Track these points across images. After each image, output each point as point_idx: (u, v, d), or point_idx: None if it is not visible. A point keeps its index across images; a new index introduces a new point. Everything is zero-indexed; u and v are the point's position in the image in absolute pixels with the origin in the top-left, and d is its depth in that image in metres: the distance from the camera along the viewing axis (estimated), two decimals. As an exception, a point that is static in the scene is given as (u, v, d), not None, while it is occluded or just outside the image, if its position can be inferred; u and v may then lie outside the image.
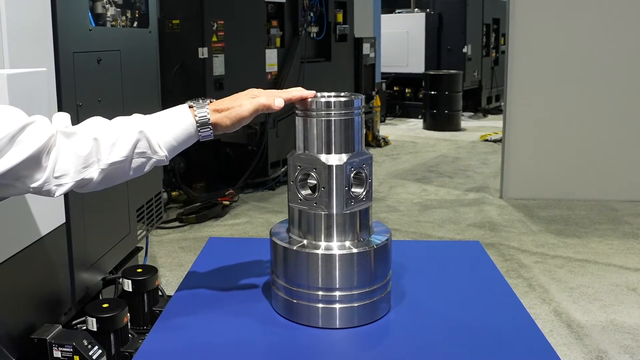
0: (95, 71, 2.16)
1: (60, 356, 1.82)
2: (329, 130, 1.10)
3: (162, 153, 1.06)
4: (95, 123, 1.05)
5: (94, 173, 1.02)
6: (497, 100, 10.47)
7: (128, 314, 2.08)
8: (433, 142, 8.14)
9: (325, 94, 1.16)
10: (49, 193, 1.01)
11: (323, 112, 1.10)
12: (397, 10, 10.28)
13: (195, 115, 1.07)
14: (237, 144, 5.17)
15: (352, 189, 1.14)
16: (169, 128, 1.06)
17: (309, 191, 1.14)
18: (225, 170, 5.26)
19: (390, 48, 9.33)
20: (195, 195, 4.70)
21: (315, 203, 1.12)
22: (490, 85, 10.34)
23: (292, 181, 1.14)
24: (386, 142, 7.72)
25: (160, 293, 2.34)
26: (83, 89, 2.06)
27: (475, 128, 9.16)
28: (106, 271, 2.36)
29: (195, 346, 1.07)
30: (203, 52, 4.31)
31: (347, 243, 1.13)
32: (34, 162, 0.96)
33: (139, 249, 2.88)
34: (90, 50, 2.11)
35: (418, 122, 9.53)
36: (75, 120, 2.07)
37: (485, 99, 10.27)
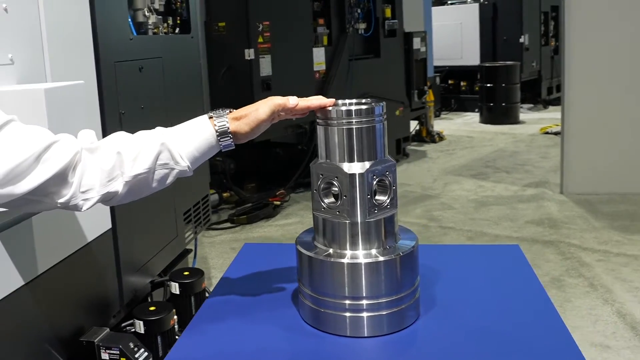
0: (137, 79, 2.21)
1: (107, 358, 1.88)
2: (349, 138, 1.08)
3: (184, 164, 1.07)
4: (118, 137, 1.07)
5: (118, 186, 1.04)
6: (558, 90, 10.06)
7: (175, 317, 2.13)
8: (490, 136, 7.94)
9: (347, 101, 1.14)
10: (76, 207, 1.04)
11: (343, 121, 1.08)
12: (449, 2, 10.07)
13: (215, 125, 1.08)
14: (287, 144, 5.19)
15: (376, 197, 1.12)
16: (190, 139, 1.07)
17: (332, 199, 1.12)
18: (276, 170, 5.30)
19: (444, 41, 9.15)
20: (246, 195, 4.76)
21: (338, 212, 1.10)
22: (551, 75, 9.99)
23: (315, 190, 1.13)
24: (441, 138, 7.58)
25: (207, 295, 2.37)
26: (125, 98, 2.11)
27: (535, 120, 8.87)
28: (154, 274, 2.41)
29: (222, 354, 1.08)
30: (249, 54, 4.35)
31: (373, 251, 1.11)
32: (61, 178, 0.99)
33: (188, 251, 2.94)
34: (131, 59, 2.16)
35: (474, 116, 9.31)
36: (119, 128, 2.13)
37: (545, 90, 9.93)
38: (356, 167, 1.08)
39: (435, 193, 5.29)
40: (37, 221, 1.67)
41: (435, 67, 8.62)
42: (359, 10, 5.52)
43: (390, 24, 5.84)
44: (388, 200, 1.12)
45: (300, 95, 4.33)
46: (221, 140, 1.08)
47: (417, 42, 6.35)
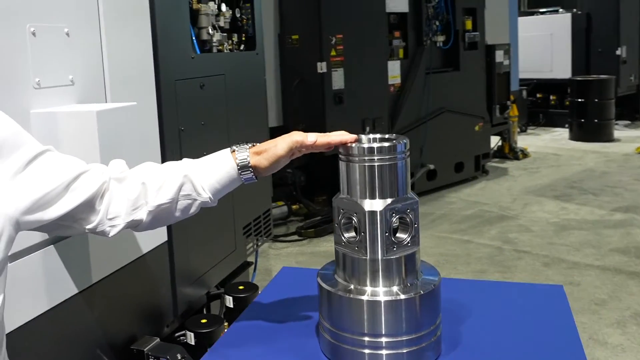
0: (198, 96, 2.28)
1: (155, 367, 1.94)
2: (369, 175, 1.07)
3: (205, 195, 1.10)
4: (145, 168, 1.11)
5: (142, 214, 1.09)
6: (660, 106, 9.46)
7: (226, 330, 2.17)
8: (579, 154, 7.53)
9: (371, 136, 1.13)
10: (103, 233, 1.09)
11: (364, 157, 1.07)
12: (538, 12, 9.68)
13: (237, 159, 1.10)
14: (360, 157, 5.18)
15: (398, 234, 1.09)
16: (212, 172, 1.10)
17: (352, 234, 1.11)
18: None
19: (532, 53, 8.81)
20: (315, 208, 4.79)
21: (357, 247, 1.09)
22: (652, 90, 9.36)
23: (337, 224, 1.12)
24: (525, 154, 7.28)
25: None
26: (185, 114, 2.18)
27: (631, 139, 8.33)
28: (210, 286, 2.47)
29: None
30: (322, 67, 4.38)
31: (394, 288, 1.09)
32: (88, 206, 1.05)
33: (249, 264, 3.00)
34: (192, 76, 2.23)
35: (564, 132, 8.87)
36: (177, 144, 2.19)
37: (644, 105, 9.33)
38: (375, 205, 1.07)
39: (513, 214, 5.09)
40: (92, 234, 1.76)
41: (522, 79, 8.31)
42: (437, 23, 5.43)
43: (470, 37, 5.69)
44: (409, 239, 1.09)
45: (374, 109, 4.37)
46: (242, 173, 1.10)
47: (499, 55, 6.15)
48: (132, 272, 1.96)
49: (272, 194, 3.10)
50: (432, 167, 5.49)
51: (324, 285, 1.13)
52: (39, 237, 1.56)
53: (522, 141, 7.81)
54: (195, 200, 1.10)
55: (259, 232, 2.88)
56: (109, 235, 1.09)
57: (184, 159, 1.14)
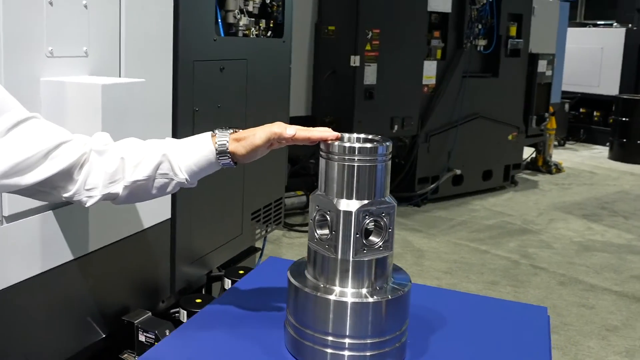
0: (217, 79, 2.29)
1: (144, 340, 1.98)
2: (346, 175, 1.06)
3: (182, 176, 1.11)
4: (127, 143, 1.13)
5: (119, 189, 1.10)
6: None
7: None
8: (616, 174, 7.32)
9: (355, 136, 1.12)
10: (80, 203, 1.11)
11: (342, 157, 1.06)
12: (590, 24, 9.39)
13: (216, 143, 1.10)
14: (385, 155, 5.14)
15: (371, 237, 1.09)
16: (190, 153, 1.11)
17: (326, 231, 1.10)
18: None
19: (580, 65, 8.57)
20: (335, 200, 4.77)
21: (327, 246, 1.08)
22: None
23: (312, 219, 1.12)
24: (558, 169, 7.11)
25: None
26: (201, 96, 2.20)
27: (675, 164, 8.06)
28: (212, 267, 2.50)
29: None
30: (355, 60, 4.35)
31: (362, 291, 1.08)
32: (66, 175, 1.07)
33: (257, 250, 3.01)
34: (212, 59, 2.24)
35: (603, 150, 8.62)
36: (191, 124, 2.21)
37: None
38: (350, 205, 1.06)
39: (536, 228, 4.99)
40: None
41: (566, 92, 8.10)
42: (479, 26, 5.33)
43: (514, 43, 5.57)
44: (381, 243, 1.08)
45: (405, 108, 4.32)
46: (220, 158, 1.10)
47: (542, 65, 6.01)
48: (131, 245, 1.99)
49: (286, 182, 3.10)
50: (458, 172, 5.41)
51: (292, 280, 1.12)
52: (38, 201, 1.60)
53: (558, 155, 7.63)
54: (172, 179, 1.11)
55: (268, 220, 2.90)
56: (86, 205, 1.11)
57: (167, 138, 1.15)
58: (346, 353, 1.08)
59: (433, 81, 5.06)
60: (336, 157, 1.07)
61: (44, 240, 1.64)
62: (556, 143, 8.20)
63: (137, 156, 1.10)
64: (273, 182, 2.91)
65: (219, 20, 2.35)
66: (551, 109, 6.59)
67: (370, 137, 1.12)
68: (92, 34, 1.70)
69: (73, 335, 1.80)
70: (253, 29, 2.56)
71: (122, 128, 1.57)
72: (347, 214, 1.05)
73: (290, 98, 3.04)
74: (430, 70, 4.98)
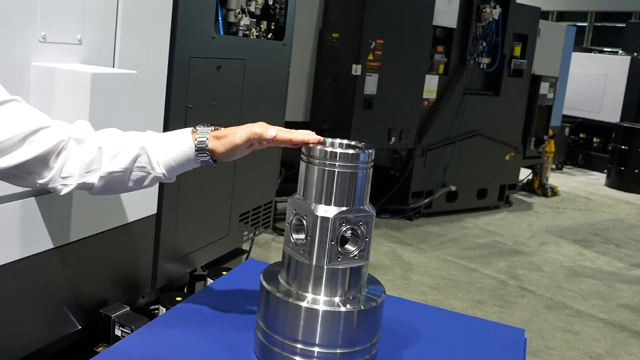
0: (213, 77, 2.28)
1: (120, 335, 1.95)
2: (325, 180, 1.05)
3: (159, 170, 1.09)
4: (106, 134, 1.11)
5: (94, 179, 1.09)
6: None
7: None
8: (612, 202, 7.31)
9: (337, 141, 1.10)
10: (55, 190, 1.09)
11: (322, 162, 1.04)
12: (595, 50, 9.41)
13: (195, 139, 1.08)
14: (380, 167, 5.13)
15: (347, 245, 1.07)
16: (169, 148, 1.09)
17: (302, 236, 1.08)
18: (365, 189, 5.25)
19: (582, 90, 8.58)
20: (328, 208, 4.76)
21: (302, 251, 1.07)
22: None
23: (288, 223, 1.10)
24: (554, 193, 7.10)
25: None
26: (195, 92, 2.18)
27: (670, 196, 8.05)
28: (196, 266, 2.48)
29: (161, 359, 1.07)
30: (356, 69, 4.35)
31: (335, 299, 1.07)
32: (42, 161, 1.06)
33: (243, 251, 2.99)
34: (209, 56, 2.23)
35: (601, 177, 8.60)
36: (183, 120, 2.20)
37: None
38: (327, 211, 1.04)
39: (527, 250, 4.97)
40: (77, 192, 1.77)
41: (567, 116, 8.10)
42: (484, 44, 5.33)
43: (517, 63, 5.58)
44: (357, 252, 1.06)
45: (403, 120, 4.30)
46: (199, 155, 1.09)
47: (544, 87, 6.01)
48: (114, 237, 1.97)
49: (277, 187, 3.09)
50: (453, 188, 5.40)
51: (264, 284, 1.11)
52: (19, 187, 1.58)
53: (555, 179, 7.62)
54: (149, 173, 1.10)
55: (257, 223, 2.88)
56: (61, 193, 1.09)
57: (148, 131, 1.13)
58: (315, 361, 1.06)
59: (434, 95, 5.06)
60: (317, 161, 1.05)
61: (24, 226, 1.62)
62: (554, 166, 8.20)
63: (115, 147, 1.08)
64: (264, 185, 2.89)
65: (220, 19, 2.34)
66: (550, 132, 6.59)
67: (353, 143, 1.10)
68: (87, 22, 1.68)
69: (48, 324, 1.77)
70: (254, 29, 2.55)
71: (110, 118, 1.55)
72: (324, 219, 1.04)
73: (289, 103, 3.03)
74: (431, 85, 4.98)
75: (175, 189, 2.23)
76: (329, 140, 1.10)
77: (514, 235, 5.34)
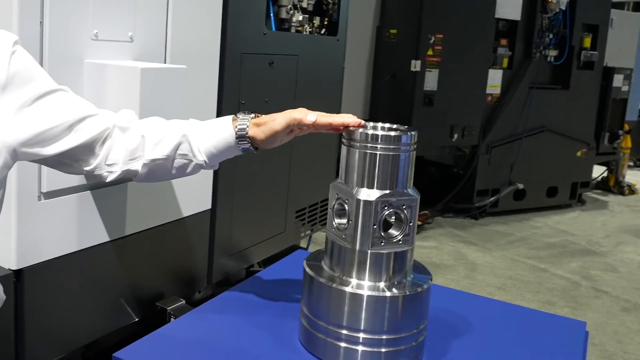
0: (266, 73, 2.28)
1: (176, 328, 1.98)
2: (367, 163, 1.01)
3: (201, 158, 1.09)
4: (149, 122, 1.12)
5: (138, 166, 1.10)
6: None
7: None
8: (694, 201, 6.86)
9: (379, 125, 1.07)
10: (101, 177, 1.11)
11: (364, 144, 1.01)
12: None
13: (236, 127, 1.08)
14: (443, 164, 5.01)
15: (391, 230, 1.03)
16: (210, 136, 1.09)
17: (344, 221, 1.05)
18: (428, 189, 5.15)
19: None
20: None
21: (344, 236, 1.03)
22: None
23: (330, 208, 1.07)
24: (632, 191, 6.72)
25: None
26: (248, 88, 2.19)
27: None
28: (252, 262, 2.48)
29: (203, 344, 1.07)
30: (415, 65, 4.26)
31: (380, 284, 1.03)
32: (88, 149, 1.08)
33: (300, 249, 2.98)
34: (261, 52, 2.23)
35: (685, 175, 8.11)
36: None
37: None
38: (369, 194, 1.01)
39: (601, 250, 4.72)
40: (132, 186, 1.80)
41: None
42: (551, 36, 5.11)
43: (587, 55, 5.31)
44: (401, 236, 1.02)
45: (466, 117, 4.20)
46: (239, 142, 1.08)
47: (618, 80, 5.70)
48: (169, 232, 2.00)
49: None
50: (521, 186, 5.20)
51: (308, 270, 1.08)
52: (76, 181, 1.63)
53: (633, 176, 7.21)
54: (191, 161, 1.10)
55: (314, 220, 2.86)
56: (106, 180, 1.11)
57: (191, 120, 1.13)
58: (360, 348, 1.03)
59: (498, 90, 4.89)
60: (358, 144, 1.02)
61: (80, 219, 1.66)
62: (631, 163, 7.78)
63: (157, 135, 1.09)
64: (321, 181, 2.87)
65: (272, 15, 2.34)
66: (626, 127, 6.24)
67: (395, 126, 1.06)
68: (138, 20, 1.72)
69: (105, 315, 1.81)
70: (307, 25, 2.54)
71: (160, 113, 1.55)
72: (366, 203, 1.00)
73: (348, 101, 3.00)
74: (495, 79, 4.81)
75: (230, 184, 2.24)
76: (371, 123, 1.07)
77: (588, 234, 5.09)
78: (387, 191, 1.01)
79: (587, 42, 5.34)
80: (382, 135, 1.00)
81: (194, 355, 1.02)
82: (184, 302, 2.04)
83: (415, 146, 1.03)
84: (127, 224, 1.83)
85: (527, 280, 3.98)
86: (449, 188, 4.93)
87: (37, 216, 1.53)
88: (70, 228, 1.64)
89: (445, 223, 4.92)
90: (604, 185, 6.71)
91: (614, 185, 6.67)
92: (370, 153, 1.01)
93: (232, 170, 2.25)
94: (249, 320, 1.15)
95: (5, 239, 1.49)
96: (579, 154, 5.61)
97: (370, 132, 1.01)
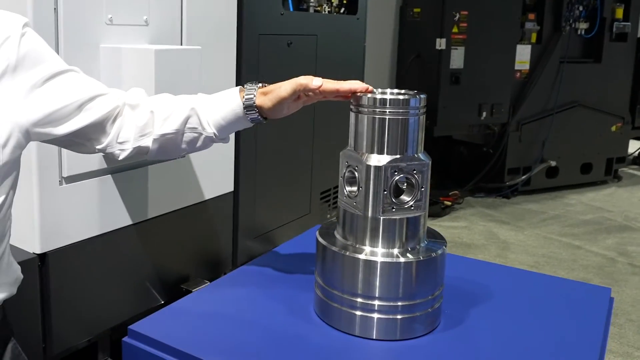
0: (284, 53, 2.27)
1: (202, 310, 2.00)
2: (375, 128, 1.00)
3: (210, 130, 1.09)
4: (158, 98, 1.13)
5: (149, 142, 1.10)
6: None
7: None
8: None
9: (388, 90, 1.04)
10: (113, 155, 1.12)
11: (372, 109, 0.99)
12: None
13: (243, 97, 1.07)
14: (473, 144, 4.93)
15: (403, 196, 1.01)
16: (218, 108, 1.09)
17: (354, 188, 1.04)
18: (458, 169, 5.08)
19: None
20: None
21: (355, 203, 1.02)
22: None
23: (341, 176, 1.06)
24: (670, 164, 6.52)
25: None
26: (267, 69, 2.18)
27: None
28: (276, 244, 2.48)
29: (222, 316, 1.08)
30: (440, 43, 4.19)
31: (394, 251, 1.02)
32: (99, 127, 1.08)
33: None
34: (279, 33, 2.22)
35: None
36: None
37: None
38: (378, 160, 0.99)
39: (638, 226, 4.59)
40: (153, 170, 1.82)
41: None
42: (580, 8, 4.95)
43: (620, 27, 5.14)
44: (412, 202, 1.00)
45: (494, 94, 4.18)
46: (247, 113, 1.07)
47: (653, 50, 5.51)
48: (192, 215, 2.01)
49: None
50: (553, 163, 5.08)
51: (320, 239, 1.07)
52: (96, 164, 1.65)
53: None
54: (201, 134, 1.09)
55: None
56: (119, 158, 1.12)
57: (199, 94, 1.13)
58: (375, 315, 1.02)
59: (527, 66, 4.77)
60: (366, 109, 1.00)
61: (102, 203, 1.68)
62: (669, 137, 7.52)
63: (166, 110, 1.09)
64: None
65: (289, -5, 2.32)
66: (663, 100, 6.04)
67: (403, 91, 1.04)
68: (153, 3, 1.72)
69: (131, 298, 1.84)
70: (325, 5, 2.52)
71: (176, 95, 1.58)
72: (375, 169, 0.99)
73: (374, 82, 2.96)
74: (523, 55, 4.70)
75: (252, 166, 2.24)
76: (379, 89, 1.05)
77: (624, 210, 4.95)
78: (397, 156, 0.99)
79: (620, 12, 5.17)
80: (390, 99, 0.99)
81: (208, 327, 1.03)
82: (208, 283, 2.05)
83: (424, 110, 1.01)
84: (150, 207, 1.85)
85: (561, 258, 3.90)
86: (480, 167, 4.84)
87: (59, 200, 1.56)
88: (93, 212, 1.66)
89: (476, 203, 4.85)
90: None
91: (650, 161, 6.47)
92: (378, 118, 0.99)
93: (254, 153, 2.25)
94: (264, 293, 1.15)
95: (28, 224, 1.52)
96: (613, 128, 5.45)
97: (378, 96, 1.00)
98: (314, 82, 1.04)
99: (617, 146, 5.58)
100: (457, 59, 4.29)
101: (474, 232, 4.26)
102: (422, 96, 1.01)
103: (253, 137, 2.23)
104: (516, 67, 4.70)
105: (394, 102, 0.99)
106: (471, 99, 4.47)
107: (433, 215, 4.43)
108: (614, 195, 5.41)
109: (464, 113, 4.44)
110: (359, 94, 1.01)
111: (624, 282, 3.58)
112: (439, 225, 4.34)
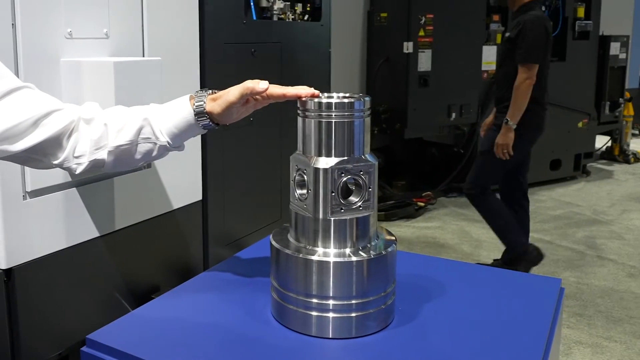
0: (248, 61, 2.30)
1: (174, 319, 2.01)
2: (321, 131, 1.03)
3: (163, 139, 1.11)
4: (111, 111, 1.14)
5: (104, 155, 1.12)
6: None
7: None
8: (703, 166, 6.79)
9: (334, 94, 1.08)
10: (70, 169, 1.14)
11: (318, 113, 1.03)
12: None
13: (194, 105, 1.10)
14: (443, 144, 5.00)
15: (351, 197, 1.04)
16: (170, 116, 1.11)
17: (304, 191, 1.07)
18: (430, 170, 5.14)
19: (664, 48, 7.98)
20: (391, 192, 4.70)
21: (305, 205, 1.05)
22: None
23: (292, 180, 1.09)
24: (637, 159, 6.67)
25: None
26: (231, 78, 2.20)
27: None
28: (249, 250, 2.51)
29: (181, 321, 1.09)
30: (408, 47, 4.25)
31: (345, 251, 1.05)
32: (55, 142, 1.10)
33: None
34: (243, 42, 2.25)
35: (691, 140, 8.02)
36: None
37: None
38: (325, 162, 1.02)
39: (607, 219, 4.69)
40: (119, 181, 1.84)
41: (647, 77, 7.58)
42: (543, 8, 5.07)
43: (582, 25, 5.27)
44: (361, 202, 1.04)
45: (463, 95, 4.25)
46: (199, 119, 1.10)
47: (615, 48, 5.65)
48: (160, 224, 2.03)
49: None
50: (523, 161, 5.17)
51: (274, 243, 1.10)
52: (61, 178, 1.66)
53: (638, 144, 7.16)
54: (155, 143, 1.11)
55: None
56: (76, 172, 1.13)
57: (151, 104, 1.15)
58: (331, 315, 1.05)
59: (493, 67, 4.85)
60: (312, 114, 1.04)
61: (68, 216, 1.70)
62: (636, 132, 7.72)
63: (120, 122, 1.11)
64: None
65: (252, 4, 2.36)
66: (627, 95, 6.19)
67: (348, 94, 1.08)
68: (113, 17, 1.74)
69: (102, 310, 1.85)
70: (289, 12, 2.56)
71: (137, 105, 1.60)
72: (322, 171, 1.02)
73: (343, 87, 3.02)
74: (490, 56, 4.79)
75: (220, 174, 2.27)
76: (325, 94, 1.08)
77: (593, 204, 5.06)
78: (344, 158, 1.02)
79: (581, 12, 5.30)
80: (335, 103, 1.02)
81: (167, 333, 1.05)
82: (169, 291, 2.07)
83: (369, 112, 1.05)
84: (117, 218, 1.86)
85: (532, 254, 3.97)
86: (451, 168, 4.92)
87: (23, 215, 1.57)
88: (59, 225, 1.68)
89: (449, 203, 4.92)
90: (609, 155, 6.67)
91: (618, 154, 6.62)
92: (325, 122, 1.02)
93: (221, 160, 2.27)
94: (223, 298, 1.18)
95: (-7, 239, 1.53)
96: (580, 124, 5.58)
97: (324, 100, 1.03)
98: (260, 84, 1.07)
99: (585, 142, 5.70)
100: (425, 61, 4.36)
101: (447, 232, 4.32)
102: (366, 99, 1.04)
103: (220, 145, 2.26)
104: (483, 68, 4.79)
105: (339, 106, 1.02)
106: (440, 101, 4.54)
107: (407, 216, 4.49)
108: (582, 190, 5.53)
109: (434, 115, 4.51)
110: (304, 98, 1.04)
111: (592, 274, 3.67)
112: (413, 226, 4.40)
